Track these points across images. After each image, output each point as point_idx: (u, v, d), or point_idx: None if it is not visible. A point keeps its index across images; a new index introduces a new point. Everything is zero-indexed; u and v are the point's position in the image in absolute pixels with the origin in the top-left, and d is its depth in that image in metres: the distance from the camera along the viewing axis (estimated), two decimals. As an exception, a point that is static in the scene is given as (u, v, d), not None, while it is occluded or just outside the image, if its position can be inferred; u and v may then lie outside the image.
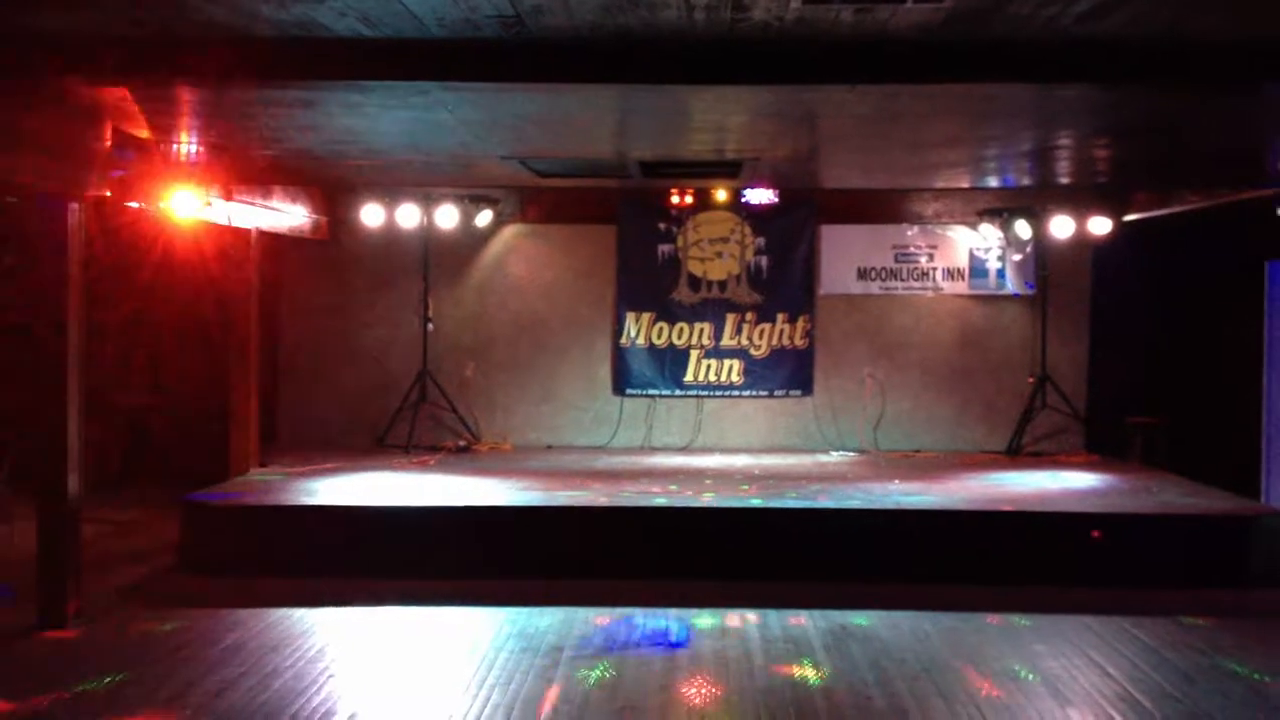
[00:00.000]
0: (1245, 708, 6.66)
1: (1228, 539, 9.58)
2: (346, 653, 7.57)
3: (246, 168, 10.32)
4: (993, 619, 8.44)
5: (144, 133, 8.60)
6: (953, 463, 12.67)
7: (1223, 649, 7.78)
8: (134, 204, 9.27)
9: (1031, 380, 13.45)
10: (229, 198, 10.48)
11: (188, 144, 9.11)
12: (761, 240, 13.73)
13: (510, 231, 13.83)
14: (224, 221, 10.53)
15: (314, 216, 12.93)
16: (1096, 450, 13.29)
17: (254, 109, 7.77)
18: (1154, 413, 12.99)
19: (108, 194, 8.62)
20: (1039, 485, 11.19)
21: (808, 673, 7.19)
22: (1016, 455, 13.26)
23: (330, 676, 7.08)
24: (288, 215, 12.18)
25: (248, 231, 11.37)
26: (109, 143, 8.31)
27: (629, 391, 13.81)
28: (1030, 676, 7.17)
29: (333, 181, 12.58)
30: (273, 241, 12.52)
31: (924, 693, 6.86)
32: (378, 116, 7.88)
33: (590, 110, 7.93)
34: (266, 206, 11.54)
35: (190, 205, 9.49)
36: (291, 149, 9.34)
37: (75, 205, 8.20)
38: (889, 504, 10.05)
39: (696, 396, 13.81)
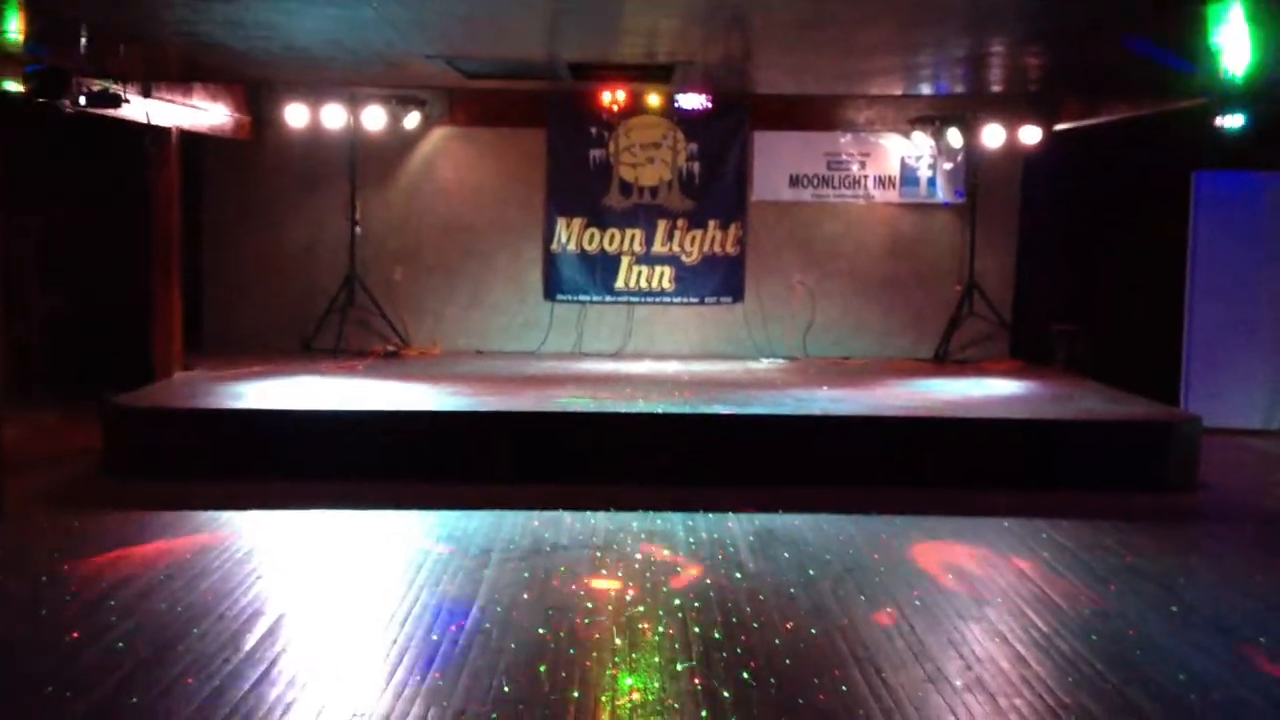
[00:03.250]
0: (1156, 607, 6.84)
1: (1146, 444, 9.78)
2: (274, 555, 7.55)
3: (164, 63, 10.05)
4: (916, 522, 8.57)
5: (58, 27, 8.33)
6: (881, 369, 12.80)
7: (1138, 551, 7.97)
8: (50, 101, 9.00)
9: (959, 288, 13.58)
10: (147, 95, 10.21)
11: (103, 38, 8.84)
12: (694, 146, 13.65)
13: (439, 134, 13.64)
14: (142, 119, 10.27)
15: (236, 116, 12.65)
16: (1021, 357, 13.50)
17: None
18: (1078, 320, 13.19)
19: (22, 91, 8.37)
20: (963, 391, 11.35)
21: (734, 573, 7.29)
22: (943, 362, 13.43)
23: (258, 578, 7.06)
24: (209, 114, 11.90)
25: (168, 130, 11.10)
26: (22, 38, 8.05)
27: (559, 297, 13.77)
28: (950, 577, 7.31)
29: (254, 79, 12.29)
30: (195, 141, 12.24)
31: (846, 591, 6.98)
32: (300, 12, 7.70)
33: (518, 8, 7.79)
34: (187, 104, 11.26)
35: (107, 102, 9.23)
36: (210, 43, 9.09)
37: (-12, 102, 7.97)
38: (817, 410, 10.14)
39: (627, 303, 13.80)
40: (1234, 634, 6.41)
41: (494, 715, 5.17)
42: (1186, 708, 5.39)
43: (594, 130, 13.56)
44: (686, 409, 10.02)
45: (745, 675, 5.66)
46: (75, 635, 6.05)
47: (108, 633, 6.10)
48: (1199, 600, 6.98)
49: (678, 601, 6.76)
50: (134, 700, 5.27)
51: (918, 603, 6.81)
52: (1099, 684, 5.65)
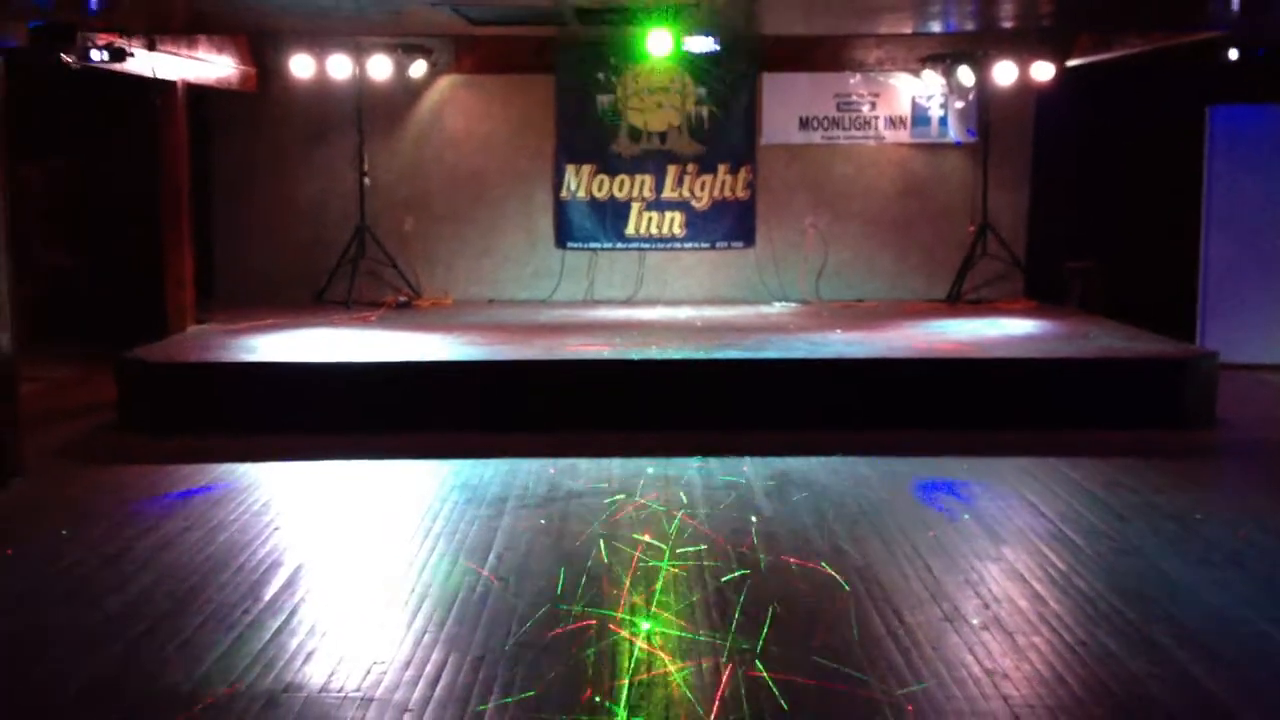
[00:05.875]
0: (1174, 544, 6.84)
1: (1163, 381, 9.74)
2: (291, 506, 7.58)
3: (168, 15, 9.97)
4: (931, 463, 8.56)
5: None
6: (894, 311, 12.75)
7: (1155, 488, 7.95)
8: (55, 55, 8.94)
9: (972, 228, 13.49)
10: (152, 49, 10.15)
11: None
12: (702, 90, 13.53)
13: (446, 82, 13.54)
14: (148, 73, 10.22)
15: (241, 68, 12.57)
16: (1035, 296, 13.43)
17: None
18: (1093, 258, 13.11)
19: (27, 45, 8.31)
20: (978, 332, 11.30)
21: (749, 517, 7.29)
22: (956, 303, 13.36)
23: (276, 529, 7.09)
24: (214, 66, 11.83)
25: (174, 83, 11.04)
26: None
27: (570, 245, 13.72)
28: (966, 517, 7.31)
29: (258, 29, 12.19)
30: (201, 94, 12.18)
31: (862, 534, 6.98)
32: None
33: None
34: (192, 57, 11.19)
35: (112, 57, 9.18)
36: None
37: (-7, 56, 7.92)
38: (831, 353, 10.10)
39: (638, 249, 13.74)
40: (1253, 569, 6.40)
41: (512, 661, 5.18)
42: (1205, 644, 5.38)
43: (602, 76, 13.45)
44: (700, 354, 10.00)
45: (762, 618, 5.67)
46: (95, 588, 6.09)
47: (128, 585, 6.14)
48: (1217, 536, 6.96)
49: (694, 546, 6.77)
50: (155, 652, 5.30)
51: (934, 543, 6.81)
52: (1117, 621, 5.65)
